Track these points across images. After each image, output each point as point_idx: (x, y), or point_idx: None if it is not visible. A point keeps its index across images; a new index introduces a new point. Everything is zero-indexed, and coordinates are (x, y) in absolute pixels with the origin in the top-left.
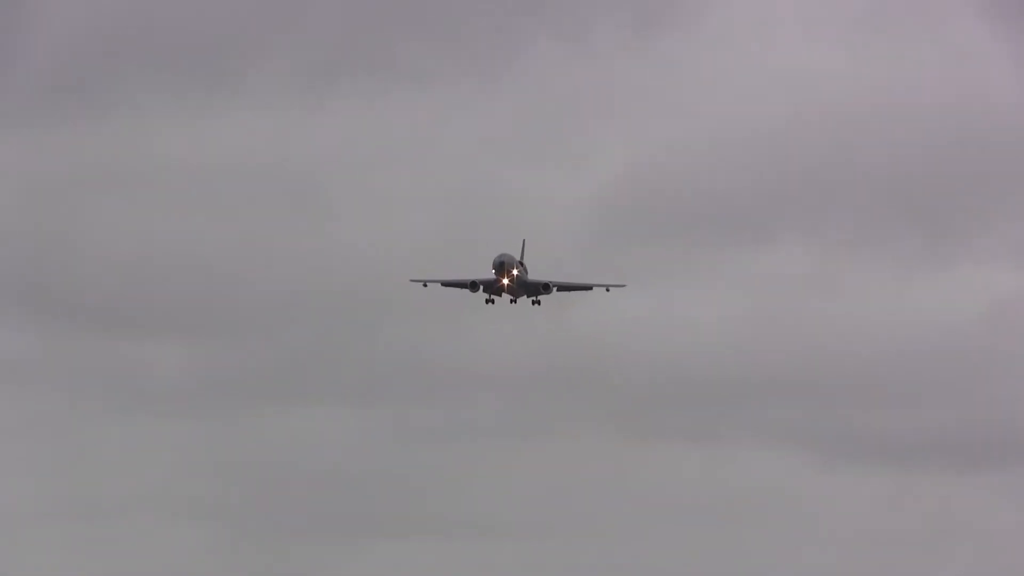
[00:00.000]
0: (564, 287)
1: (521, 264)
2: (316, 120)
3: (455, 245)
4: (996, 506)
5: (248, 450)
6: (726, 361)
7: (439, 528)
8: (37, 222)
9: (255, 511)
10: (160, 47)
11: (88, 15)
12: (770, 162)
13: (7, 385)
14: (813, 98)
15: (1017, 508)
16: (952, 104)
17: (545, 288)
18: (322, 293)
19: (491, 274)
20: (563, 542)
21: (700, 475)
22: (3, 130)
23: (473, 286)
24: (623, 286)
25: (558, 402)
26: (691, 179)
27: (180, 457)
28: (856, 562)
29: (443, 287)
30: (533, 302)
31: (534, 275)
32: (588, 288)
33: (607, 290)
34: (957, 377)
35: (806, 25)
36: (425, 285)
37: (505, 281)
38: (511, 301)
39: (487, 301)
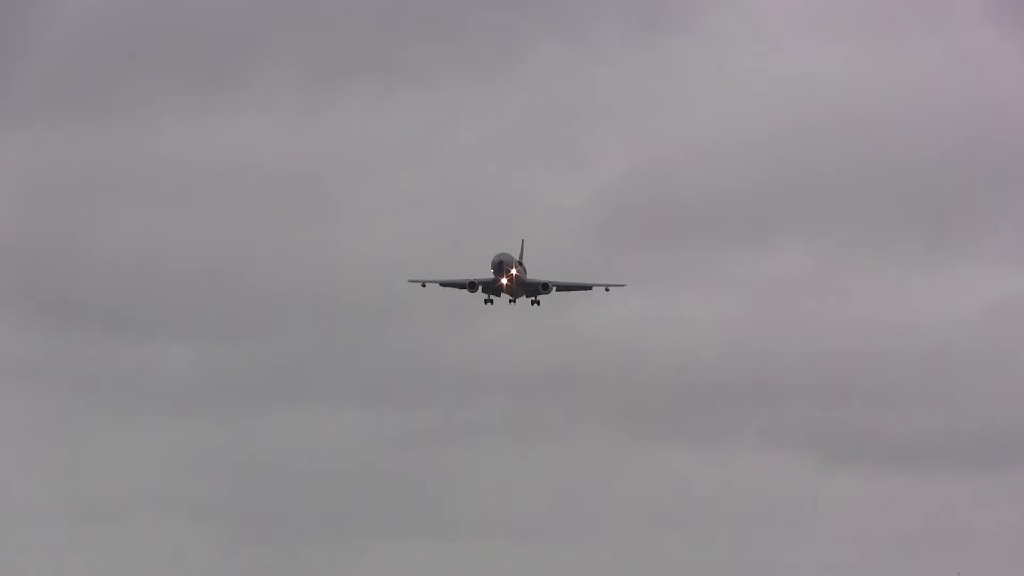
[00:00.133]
0: (563, 287)
1: (520, 264)
2: (318, 121)
3: (456, 245)
4: (998, 506)
5: (247, 450)
6: (726, 362)
7: (439, 529)
8: (39, 222)
9: (255, 511)
10: (164, 49)
11: (92, 17)
12: (771, 164)
13: (11, 385)
14: (814, 100)
15: (1019, 508)
16: (952, 106)
17: (544, 288)
18: (323, 294)
19: (490, 274)
20: (563, 543)
21: (700, 476)
22: (5, 131)
23: (472, 286)
24: (623, 286)
25: (557, 403)
26: (692, 180)
27: (180, 457)
28: (858, 563)
29: (442, 287)
30: (532, 302)
31: (534, 275)
32: (588, 288)
33: (607, 290)
34: (958, 378)
35: (806, 28)
36: (423, 285)
37: (504, 281)
38: (510, 301)
39: (486, 301)
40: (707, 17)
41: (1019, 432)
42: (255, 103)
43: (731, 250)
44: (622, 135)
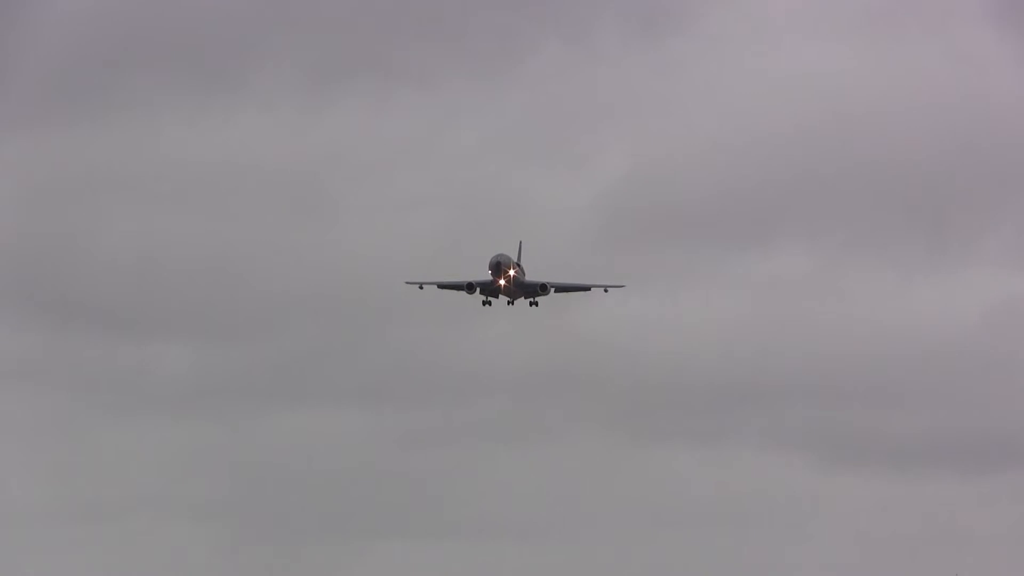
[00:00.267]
0: (562, 288)
1: (518, 265)
2: (318, 121)
3: (456, 245)
4: (998, 508)
5: (247, 451)
6: (726, 363)
7: (439, 529)
8: (39, 222)
9: (255, 511)
10: (164, 49)
11: (92, 17)
12: (771, 164)
13: (11, 385)
14: (814, 101)
15: (1019, 509)
16: (953, 106)
17: (543, 289)
18: (323, 294)
19: (488, 275)
20: (563, 543)
21: (700, 477)
22: (5, 131)
23: (470, 288)
24: (622, 287)
25: (557, 403)
26: (692, 181)
27: (180, 457)
28: (858, 564)
29: (439, 289)
30: (531, 303)
31: (533, 276)
32: (586, 289)
33: (606, 291)
34: (958, 379)
35: (807, 28)
36: (421, 287)
37: (502, 282)
38: (508, 303)
39: (484, 303)
40: (707, 17)
41: (1019, 433)
42: (255, 103)
43: (731, 251)
44: (622, 135)
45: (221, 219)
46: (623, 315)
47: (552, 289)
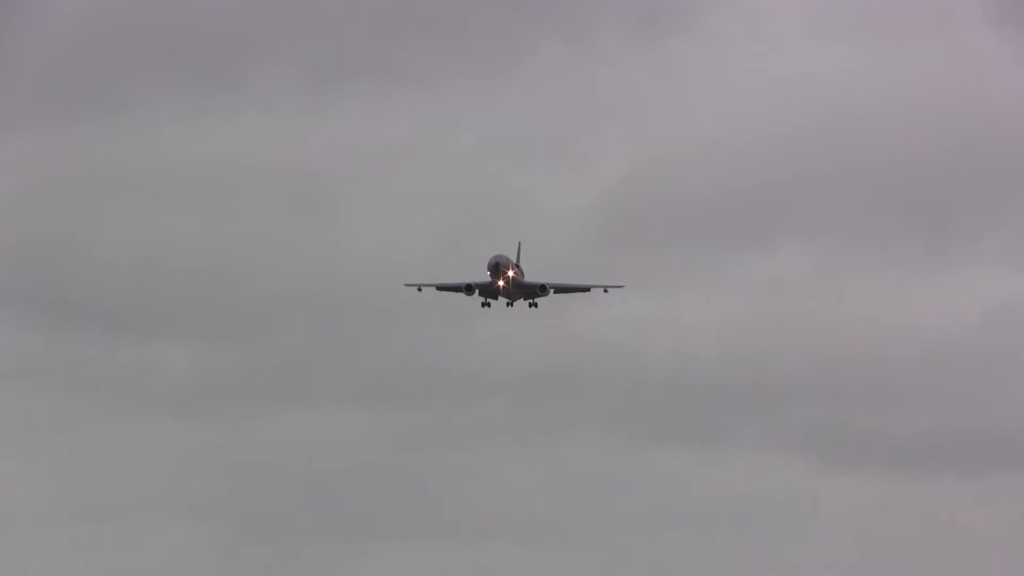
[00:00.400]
0: (561, 288)
1: (517, 266)
2: (318, 121)
3: (456, 246)
4: (999, 508)
5: (247, 451)
6: (726, 363)
7: (439, 529)
8: (39, 222)
9: (255, 512)
10: (164, 49)
11: (92, 17)
12: (771, 164)
13: (11, 385)
14: (814, 101)
15: (1019, 510)
16: (953, 107)
17: (542, 290)
18: (323, 294)
19: (486, 276)
20: (563, 544)
21: (699, 477)
22: (4, 131)
23: (468, 289)
24: (622, 287)
25: (557, 404)
26: (692, 181)
27: (180, 457)
28: (858, 564)
29: (438, 291)
30: (530, 304)
31: (532, 277)
32: (586, 290)
33: (605, 291)
34: (958, 379)
35: (807, 28)
36: (420, 289)
37: (500, 283)
38: (507, 304)
39: (483, 304)
40: (707, 17)
41: (1019, 433)
42: (255, 103)
43: (731, 251)
44: (622, 135)
45: (221, 219)
46: (623, 315)
47: (551, 290)
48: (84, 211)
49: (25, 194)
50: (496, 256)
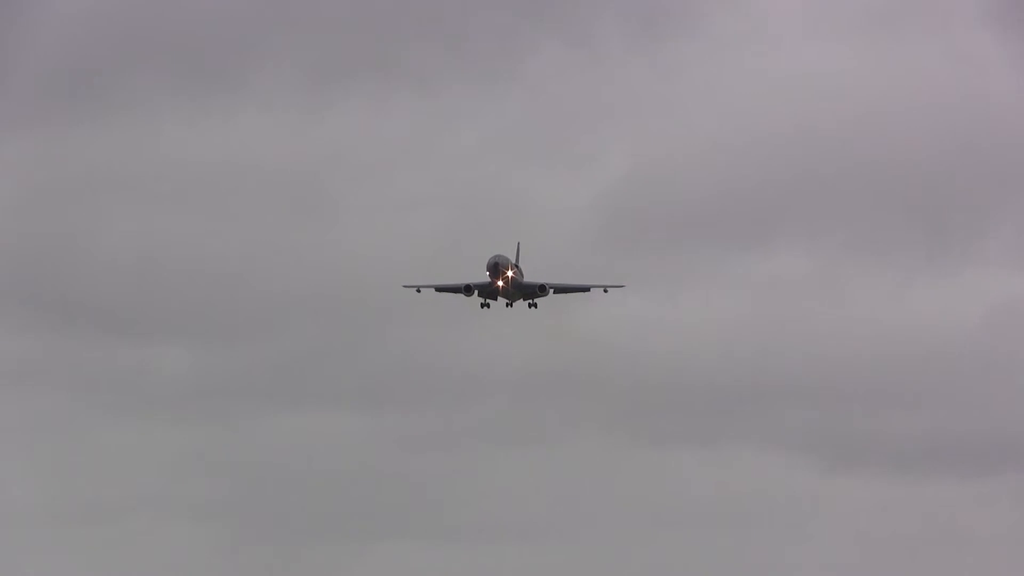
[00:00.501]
0: (561, 288)
1: (516, 266)
2: (318, 122)
3: (456, 246)
4: (998, 509)
5: (247, 452)
6: (726, 364)
7: (439, 530)
8: (39, 223)
9: (255, 513)
10: (164, 49)
11: (92, 17)
12: (771, 165)
13: (11, 385)
14: (815, 102)
15: (1019, 511)
16: (953, 107)
17: (541, 290)
18: (323, 295)
19: (485, 276)
20: (563, 544)
21: (699, 478)
22: (5, 131)
23: (468, 289)
24: (622, 286)
25: (557, 405)
26: (692, 181)
27: (180, 458)
28: (858, 565)
29: (437, 292)
30: (529, 305)
31: (532, 277)
32: (586, 289)
33: (605, 291)
34: (959, 381)
35: (807, 30)
36: (418, 291)
37: (500, 283)
38: (507, 305)
39: (482, 306)
40: (708, 18)
41: (1019, 434)
42: (255, 103)
43: (731, 251)
44: (622, 136)
45: (221, 219)
46: (623, 315)
47: (551, 290)
48: (84, 211)
49: (25, 194)
50: (495, 256)
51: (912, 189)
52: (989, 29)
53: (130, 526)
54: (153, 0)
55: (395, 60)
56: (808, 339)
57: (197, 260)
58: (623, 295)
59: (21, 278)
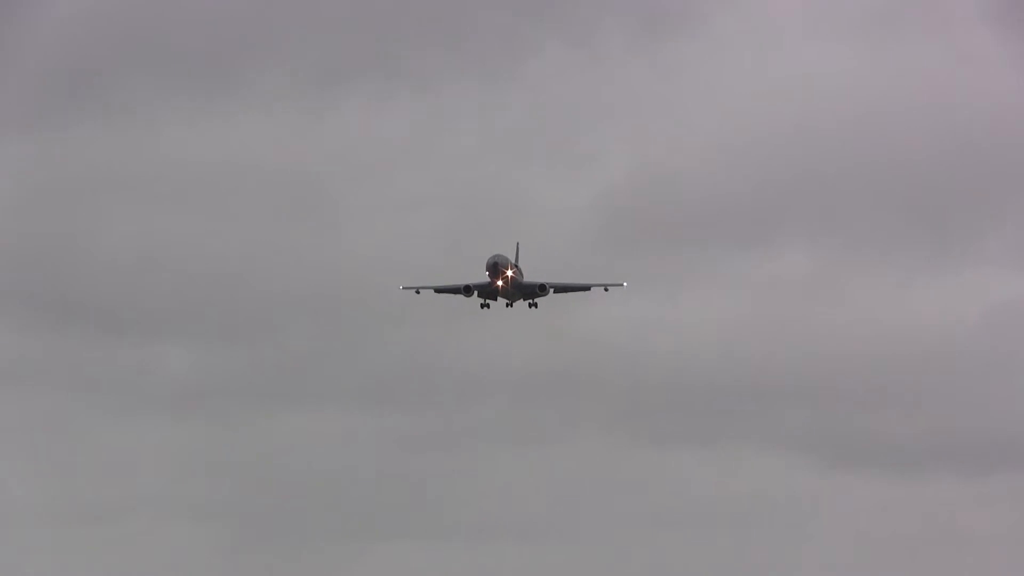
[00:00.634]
0: (561, 288)
1: (516, 266)
2: (319, 122)
3: (457, 246)
4: (998, 509)
5: (247, 452)
6: (727, 364)
7: (439, 530)
8: (39, 223)
9: (254, 513)
10: (164, 49)
11: (92, 18)
12: (772, 165)
13: (11, 385)
14: (815, 102)
15: (1019, 510)
16: (953, 107)
17: (541, 289)
18: (323, 295)
19: (485, 277)
20: (563, 544)
21: (699, 478)
22: (5, 131)
23: (467, 290)
24: (622, 285)
25: (557, 405)
26: (693, 182)
27: (180, 458)
28: (858, 565)
29: (436, 293)
30: (529, 305)
31: (532, 277)
32: (586, 289)
33: (605, 290)
34: (960, 381)
35: (808, 30)
36: (418, 292)
37: (499, 283)
38: (507, 304)
39: (482, 306)
40: (708, 18)
41: (1019, 434)
42: (255, 104)
43: (731, 251)
44: (623, 136)
45: (221, 219)
46: (623, 315)
47: (551, 290)
48: (84, 211)
49: (25, 194)
50: (495, 256)
51: (912, 189)
52: (989, 29)
53: (130, 526)
54: (153, 1)
55: (395, 60)
56: (808, 339)
57: (197, 260)
58: (623, 295)
59: (21, 278)
